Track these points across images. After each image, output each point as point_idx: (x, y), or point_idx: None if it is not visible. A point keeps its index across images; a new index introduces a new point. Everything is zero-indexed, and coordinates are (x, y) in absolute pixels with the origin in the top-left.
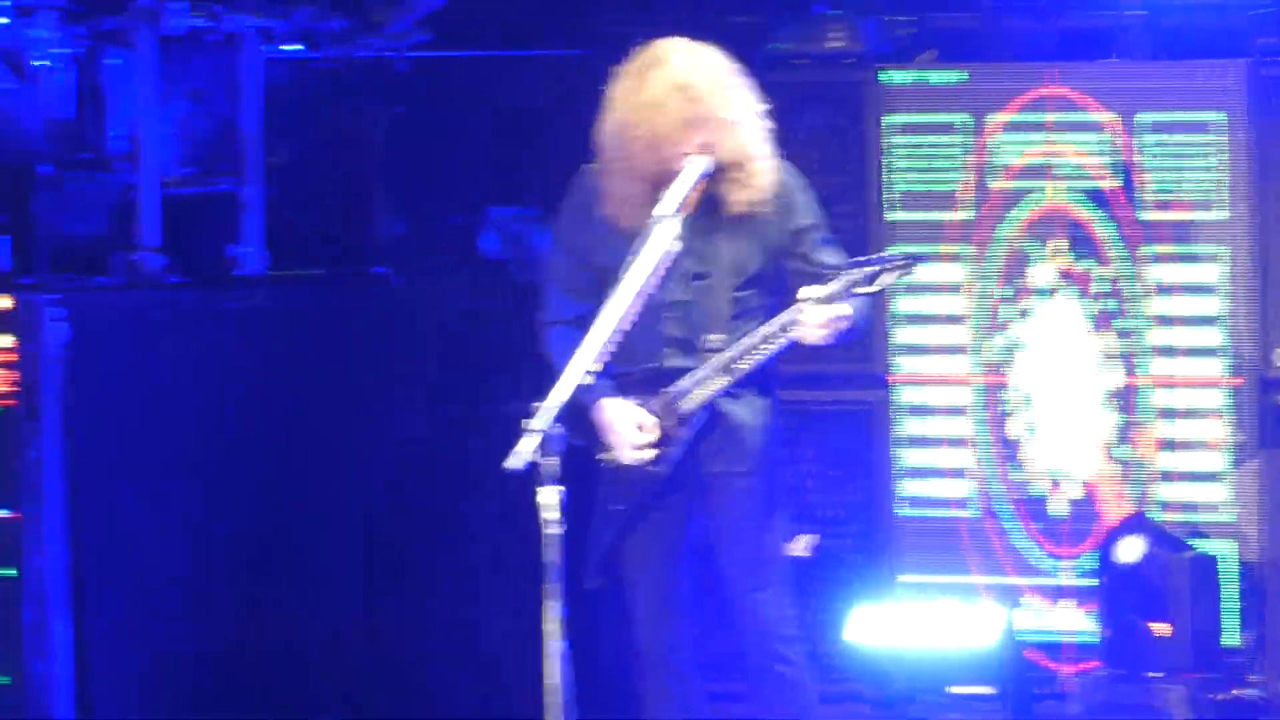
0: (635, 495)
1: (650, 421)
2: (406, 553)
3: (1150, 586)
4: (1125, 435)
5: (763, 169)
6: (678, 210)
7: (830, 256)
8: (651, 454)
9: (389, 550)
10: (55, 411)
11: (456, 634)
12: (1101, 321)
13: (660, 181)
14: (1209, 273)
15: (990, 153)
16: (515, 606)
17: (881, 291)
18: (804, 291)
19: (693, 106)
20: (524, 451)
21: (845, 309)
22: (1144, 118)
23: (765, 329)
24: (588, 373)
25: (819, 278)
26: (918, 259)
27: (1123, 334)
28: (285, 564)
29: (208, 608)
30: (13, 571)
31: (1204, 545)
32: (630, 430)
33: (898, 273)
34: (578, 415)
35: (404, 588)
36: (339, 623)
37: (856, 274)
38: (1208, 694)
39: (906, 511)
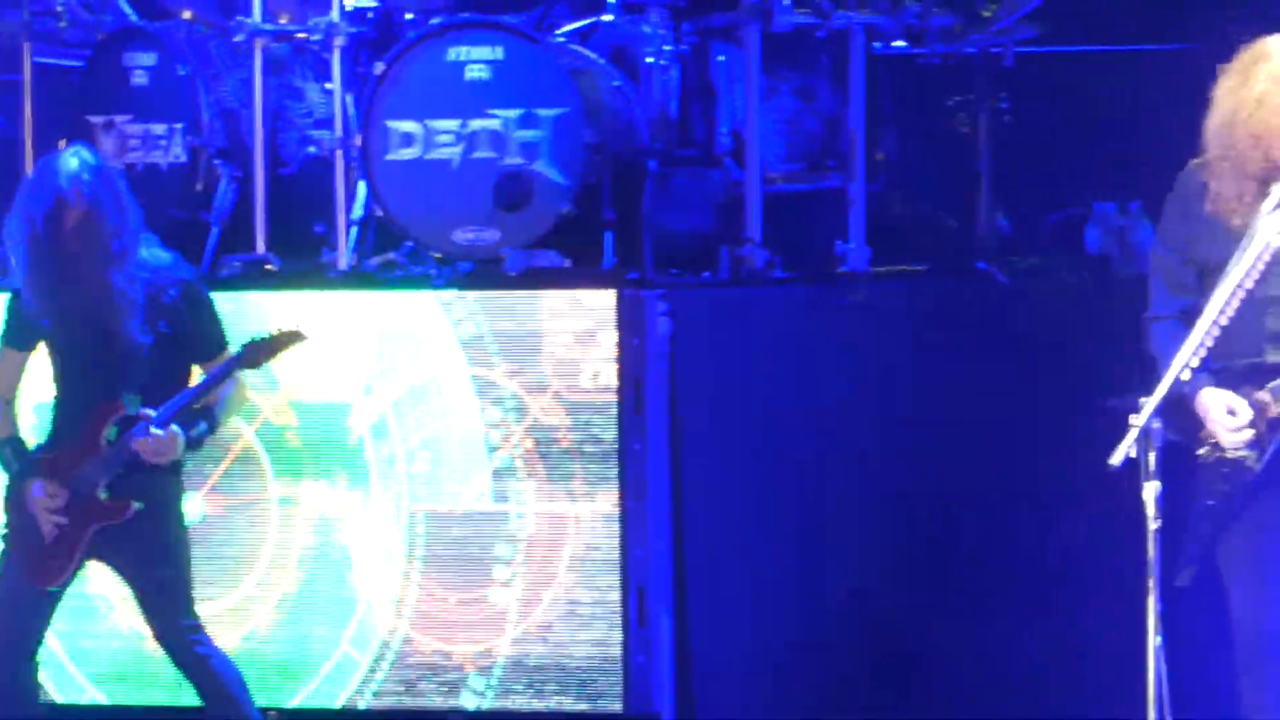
0: (1231, 490)
1: (1241, 406)
2: (1005, 549)
3: None
4: None
5: None
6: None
7: None
8: (1248, 435)
9: (986, 547)
10: (659, 405)
11: (1056, 632)
12: None
13: (1267, 178)
14: None
15: None
16: (1113, 604)
17: None
18: None
19: None
20: (1126, 447)
21: None
22: None
23: None
24: (1186, 367)
25: None
26: None
27: None
28: (885, 558)
29: (812, 603)
30: (616, 562)
31: None
32: (1223, 415)
33: None
34: (1177, 411)
35: (1002, 584)
36: (939, 621)
37: None
38: None
39: None
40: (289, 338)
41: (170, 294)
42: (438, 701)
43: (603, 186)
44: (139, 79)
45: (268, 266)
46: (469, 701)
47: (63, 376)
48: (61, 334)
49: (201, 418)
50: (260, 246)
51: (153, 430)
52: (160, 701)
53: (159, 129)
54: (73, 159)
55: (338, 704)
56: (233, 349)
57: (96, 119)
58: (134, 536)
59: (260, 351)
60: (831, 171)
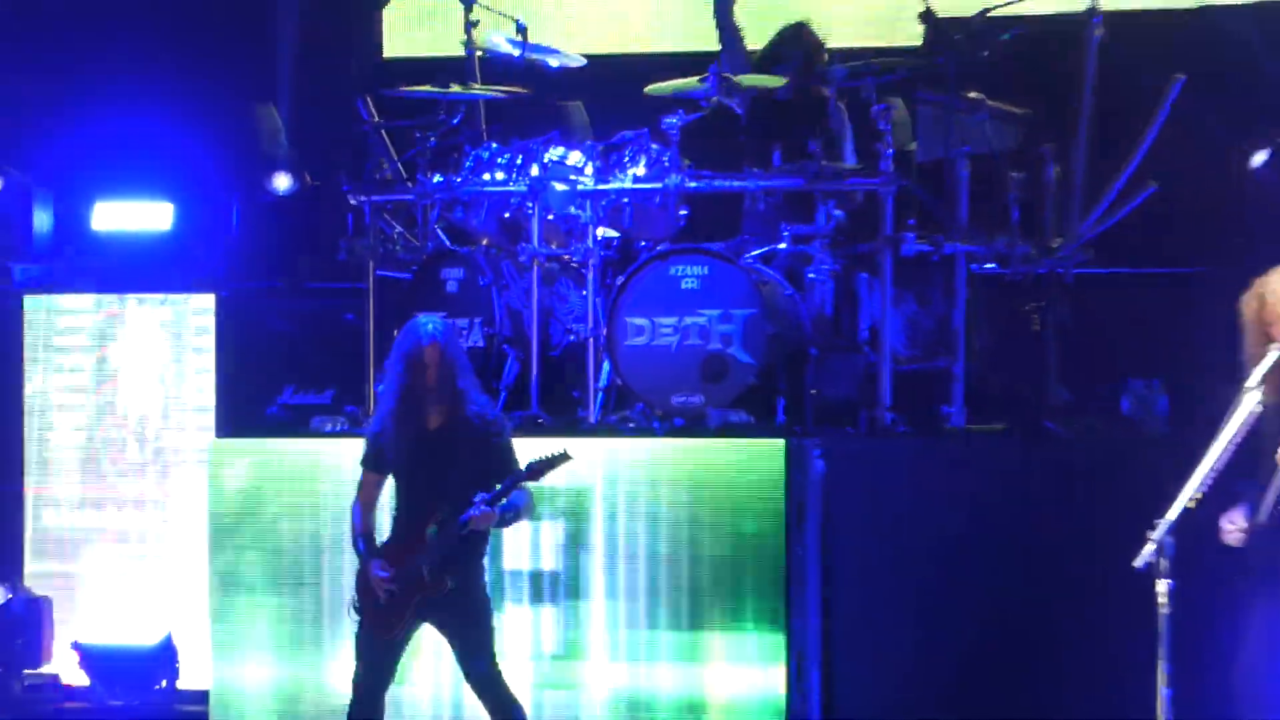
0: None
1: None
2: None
3: None
4: None
5: None
6: (1259, 385)
7: None
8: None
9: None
10: (815, 522)
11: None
12: None
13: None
14: None
15: None
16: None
17: None
18: None
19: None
20: (1145, 554)
21: None
22: None
23: None
24: (1192, 498)
25: None
26: None
27: None
28: (990, 657)
29: (936, 672)
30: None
31: None
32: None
33: None
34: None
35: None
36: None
37: None
38: None
39: None
40: (560, 458)
41: (486, 428)
42: None
43: (778, 366)
44: (451, 287)
45: (539, 421)
46: None
47: (403, 489)
48: (407, 458)
49: (508, 511)
50: (534, 406)
51: (483, 508)
52: None
53: (464, 323)
54: (429, 323)
55: None
56: (520, 467)
57: (420, 316)
58: (451, 606)
59: (540, 468)
60: (941, 356)
